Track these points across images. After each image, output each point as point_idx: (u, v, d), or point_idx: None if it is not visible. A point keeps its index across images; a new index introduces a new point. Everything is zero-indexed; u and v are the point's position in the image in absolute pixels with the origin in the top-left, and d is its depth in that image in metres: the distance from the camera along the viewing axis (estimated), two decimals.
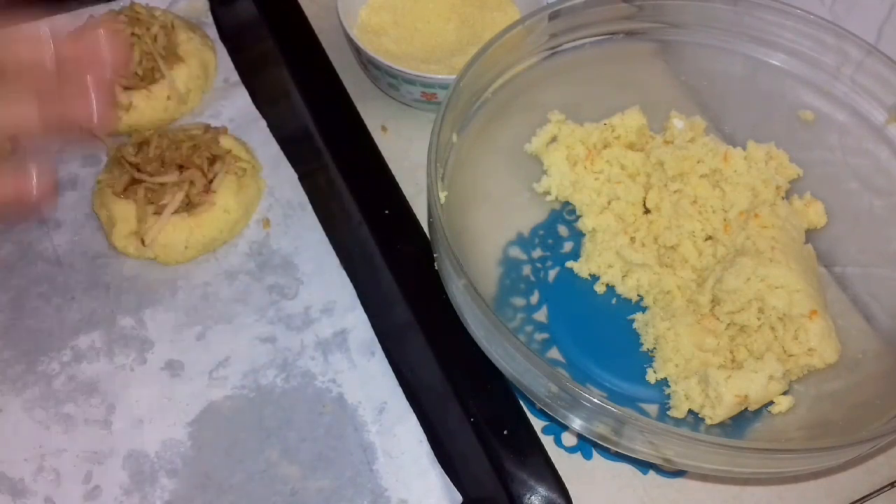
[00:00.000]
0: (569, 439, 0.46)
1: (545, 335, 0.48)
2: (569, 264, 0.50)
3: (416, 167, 0.55)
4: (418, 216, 0.50)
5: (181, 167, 0.51)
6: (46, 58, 0.33)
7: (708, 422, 0.43)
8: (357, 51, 0.55)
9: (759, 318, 0.44)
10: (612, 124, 0.52)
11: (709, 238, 0.49)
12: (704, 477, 0.45)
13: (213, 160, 0.52)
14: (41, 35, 0.32)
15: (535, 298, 0.49)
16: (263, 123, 0.56)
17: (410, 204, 0.50)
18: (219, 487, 0.43)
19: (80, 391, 0.46)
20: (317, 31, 0.57)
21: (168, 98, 0.55)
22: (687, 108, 0.53)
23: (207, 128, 0.54)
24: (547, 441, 0.45)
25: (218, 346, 0.48)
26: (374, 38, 0.58)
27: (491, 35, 0.48)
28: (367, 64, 0.55)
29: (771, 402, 0.43)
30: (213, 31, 0.61)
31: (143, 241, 0.49)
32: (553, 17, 0.50)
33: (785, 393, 0.43)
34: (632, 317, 0.48)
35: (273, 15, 0.58)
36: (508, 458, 0.41)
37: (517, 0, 0.60)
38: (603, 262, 0.49)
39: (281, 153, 0.55)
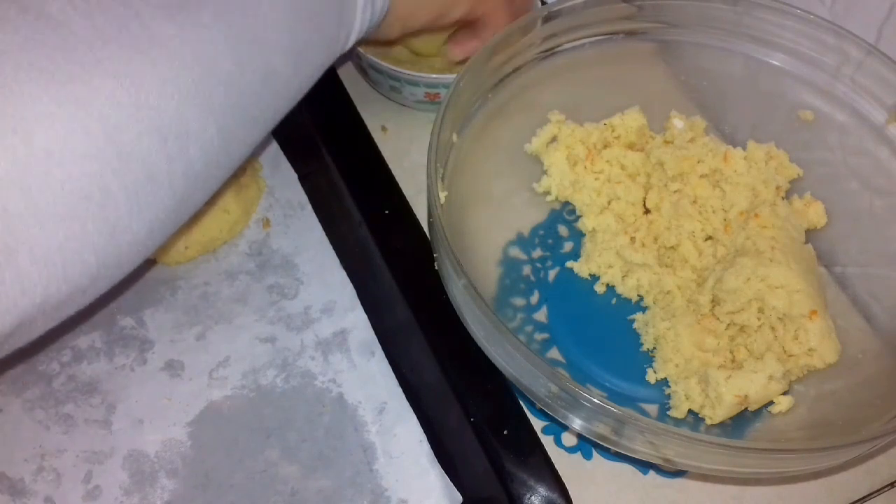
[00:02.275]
0: (569, 439, 0.46)
1: (545, 335, 0.48)
2: (569, 264, 0.50)
3: (416, 167, 0.55)
4: (418, 216, 0.50)
5: None
6: None
7: (708, 422, 0.43)
8: (358, 56, 0.55)
9: (759, 318, 0.44)
10: (612, 124, 0.52)
11: (709, 238, 0.49)
12: (704, 477, 0.45)
13: None
14: None
15: (535, 298, 0.49)
16: None
17: (410, 204, 0.50)
18: (219, 487, 0.43)
19: (80, 391, 0.46)
20: None
21: None
22: (687, 108, 0.53)
23: None
24: (547, 441, 0.45)
25: (218, 346, 0.48)
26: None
27: None
28: (368, 69, 0.55)
29: (771, 402, 0.43)
30: None
31: None
32: (553, 17, 0.50)
33: (785, 393, 0.43)
34: (632, 317, 0.48)
35: None
36: (508, 458, 0.41)
37: None
38: (603, 262, 0.49)
39: (281, 153, 0.55)
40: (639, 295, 0.49)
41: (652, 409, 0.45)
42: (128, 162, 0.32)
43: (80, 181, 0.31)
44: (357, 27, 0.44)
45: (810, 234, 0.50)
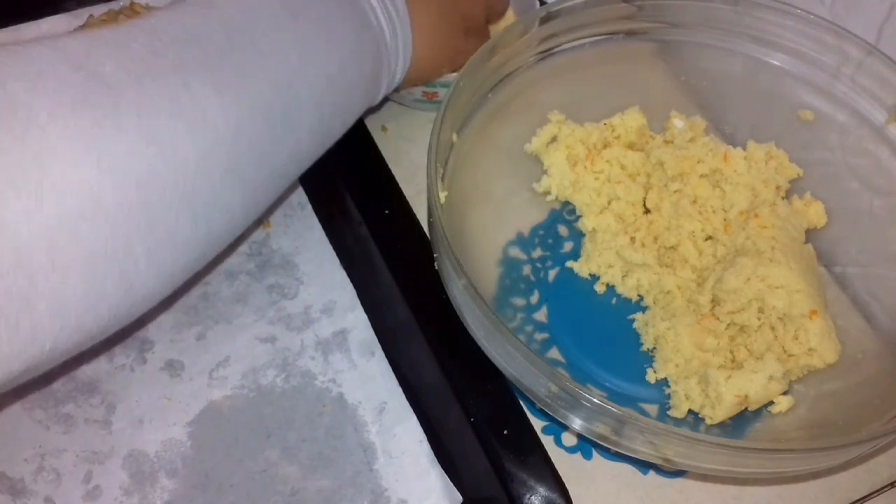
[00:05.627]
0: (569, 439, 0.46)
1: (545, 335, 0.48)
2: (569, 264, 0.50)
3: (416, 167, 0.55)
4: (418, 216, 0.50)
5: None
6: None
7: (708, 422, 0.43)
8: None
9: (759, 318, 0.44)
10: (612, 124, 0.52)
11: (709, 238, 0.49)
12: (704, 477, 0.45)
13: None
14: None
15: (535, 298, 0.49)
16: None
17: (410, 204, 0.50)
18: (219, 487, 0.43)
19: (80, 391, 0.46)
20: None
21: None
22: (687, 108, 0.53)
23: None
24: (547, 441, 0.45)
25: (218, 346, 0.48)
26: None
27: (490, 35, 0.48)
28: None
29: (771, 402, 0.43)
30: None
31: None
32: (553, 16, 0.50)
33: (785, 393, 0.43)
34: (632, 317, 0.48)
35: None
36: (508, 458, 0.41)
37: (515, 0, 0.60)
38: (603, 262, 0.49)
39: None
40: (639, 295, 0.49)
41: (652, 409, 0.45)
42: (154, 226, 0.33)
43: (107, 242, 0.31)
44: (376, 102, 0.47)
45: (810, 234, 0.50)
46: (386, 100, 0.59)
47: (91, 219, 0.31)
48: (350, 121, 0.45)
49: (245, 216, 0.39)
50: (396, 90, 0.53)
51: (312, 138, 0.41)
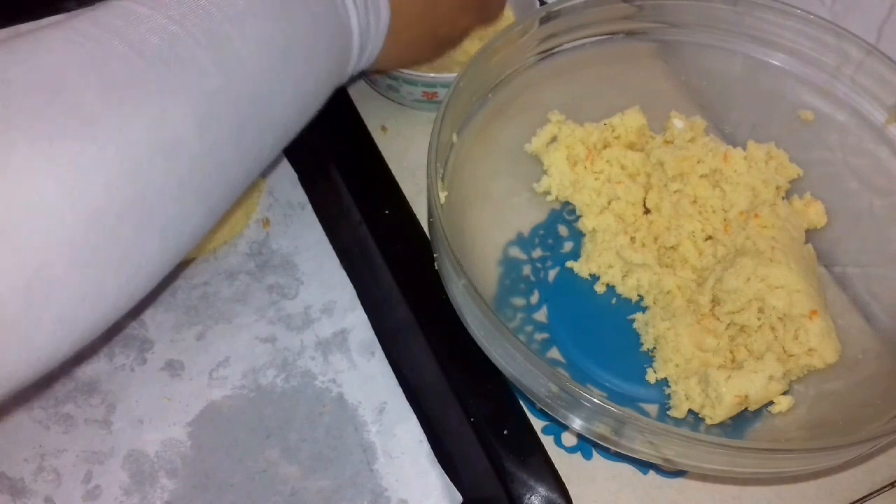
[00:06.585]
0: (569, 439, 0.46)
1: (545, 335, 0.48)
2: (569, 264, 0.50)
3: (416, 167, 0.55)
4: (418, 216, 0.50)
5: None
6: None
7: (708, 422, 0.43)
8: None
9: (759, 318, 0.45)
10: (612, 124, 0.52)
11: (709, 238, 0.49)
12: (704, 477, 0.45)
13: None
14: None
15: (535, 298, 0.49)
16: None
17: (410, 204, 0.50)
18: (219, 487, 0.43)
19: (80, 391, 0.46)
20: None
21: None
22: (687, 108, 0.53)
23: None
24: (547, 441, 0.45)
25: (218, 346, 0.48)
26: None
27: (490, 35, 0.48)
28: None
29: (771, 402, 0.43)
30: None
31: None
32: (553, 17, 0.50)
33: (785, 393, 0.43)
34: (632, 317, 0.48)
35: None
36: (508, 458, 0.41)
37: (514, 1, 0.60)
38: (603, 262, 0.49)
39: (281, 153, 0.55)
40: (639, 295, 0.49)
41: (652, 409, 0.45)
42: (124, 261, 0.33)
43: (81, 286, 0.32)
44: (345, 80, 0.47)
45: (810, 234, 0.50)
46: (386, 99, 0.59)
47: (65, 274, 0.31)
48: (315, 108, 0.44)
49: (207, 226, 0.39)
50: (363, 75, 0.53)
51: (275, 145, 0.42)
